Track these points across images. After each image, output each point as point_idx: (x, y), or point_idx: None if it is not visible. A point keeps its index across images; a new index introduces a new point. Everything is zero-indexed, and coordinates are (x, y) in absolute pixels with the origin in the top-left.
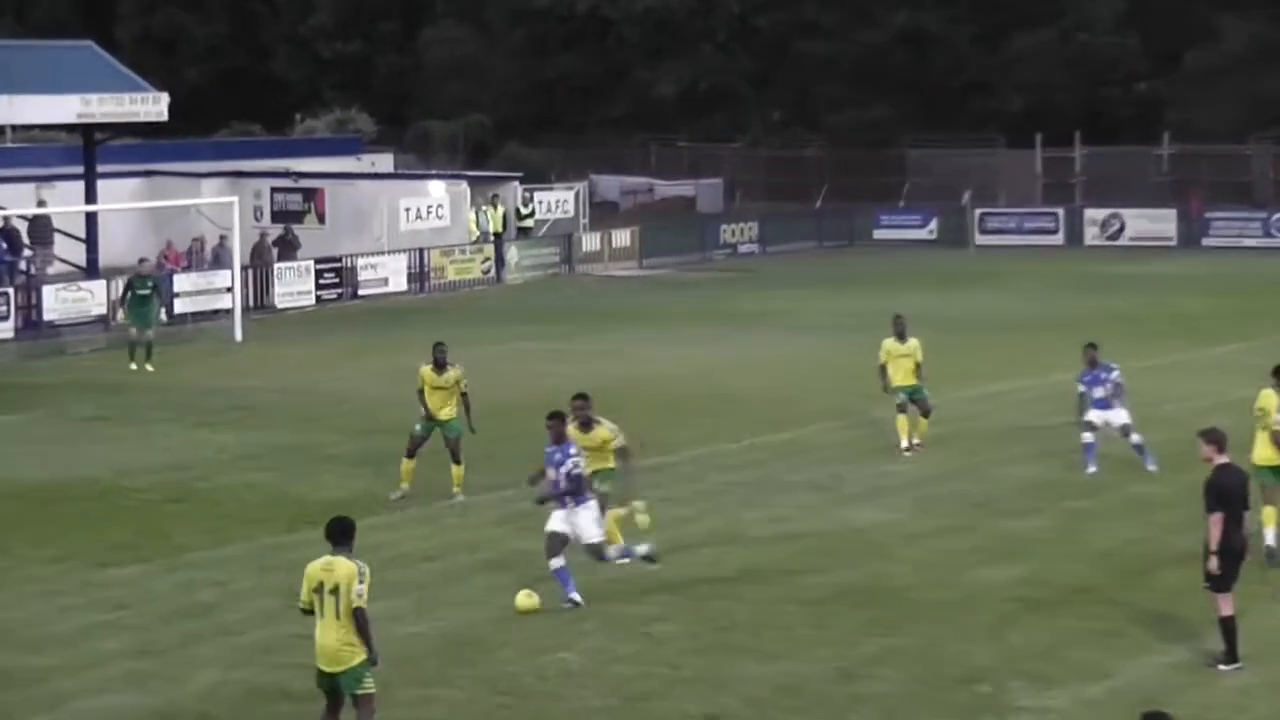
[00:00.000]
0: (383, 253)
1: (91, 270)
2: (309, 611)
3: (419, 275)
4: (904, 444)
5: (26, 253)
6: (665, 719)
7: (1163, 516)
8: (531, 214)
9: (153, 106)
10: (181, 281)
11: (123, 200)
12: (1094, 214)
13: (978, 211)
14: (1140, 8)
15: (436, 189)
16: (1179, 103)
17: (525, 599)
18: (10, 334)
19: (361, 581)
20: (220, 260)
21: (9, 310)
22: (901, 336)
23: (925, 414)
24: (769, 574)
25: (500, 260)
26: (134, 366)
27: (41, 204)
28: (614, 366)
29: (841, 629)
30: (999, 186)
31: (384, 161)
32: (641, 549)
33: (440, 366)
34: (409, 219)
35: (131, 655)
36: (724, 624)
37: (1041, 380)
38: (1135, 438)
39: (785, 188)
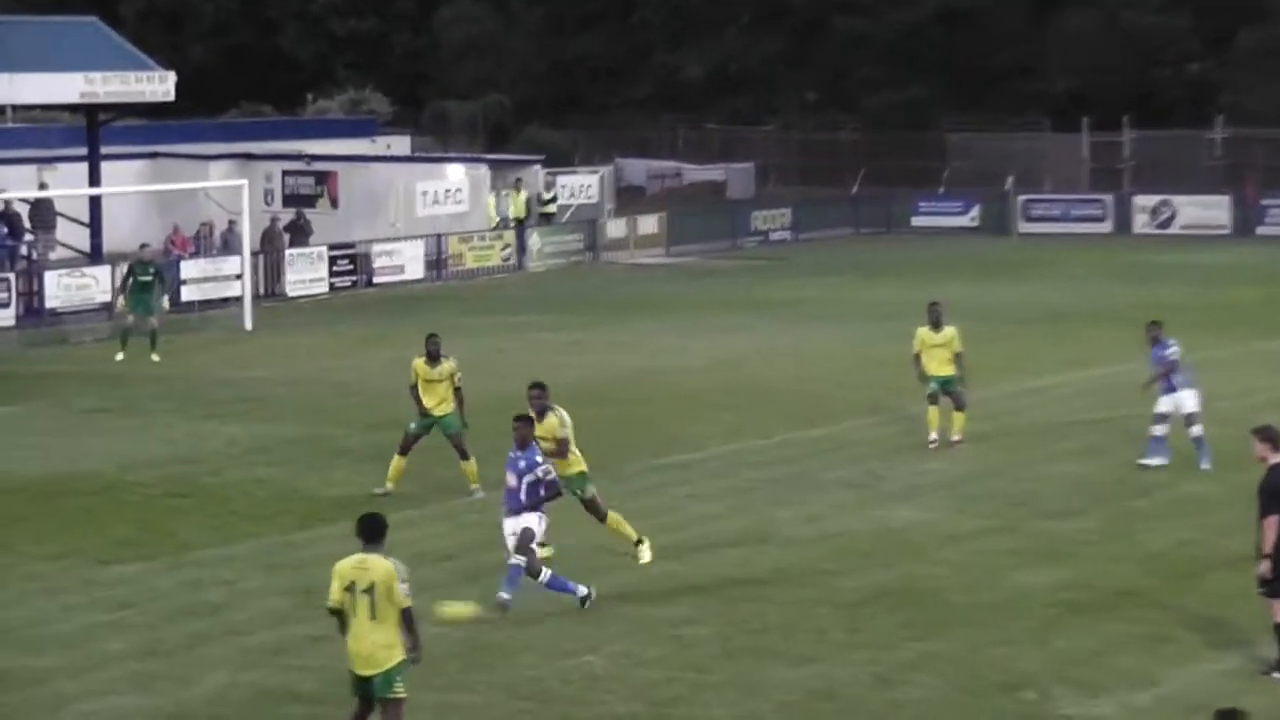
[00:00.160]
0: (399, 239)
1: (95, 256)
2: (337, 611)
3: (436, 262)
4: (932, 436)
5: (28, 237)
6: None
7: (1215, 517)
8: (554, 199)
9: (158, 85)
10: (189, 268)
11: (127, 183)
12: (1143, 200)
13: (1022, 198)
14: None
15: (454, 172)
16: (1232, 84)
17: (453, 609)
18: (11, 321)
19: (404, 581)
20: (229, 246)
21: (10, 297)
22: (937, 325)
23: (959, 407)
24: (802, 575)
25: (521, 247)
26: (120, 357)
27: (43, 187)
28: (638, 358)
29: (877, 632)
30: (1044, 172)
31: (400, 144)
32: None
33: (434, 359)
34: (426, 204)
35: (136, 656)
36: (755, 626)
37: (1086, 374)
38: (1196, 429)
39: (819, 172)
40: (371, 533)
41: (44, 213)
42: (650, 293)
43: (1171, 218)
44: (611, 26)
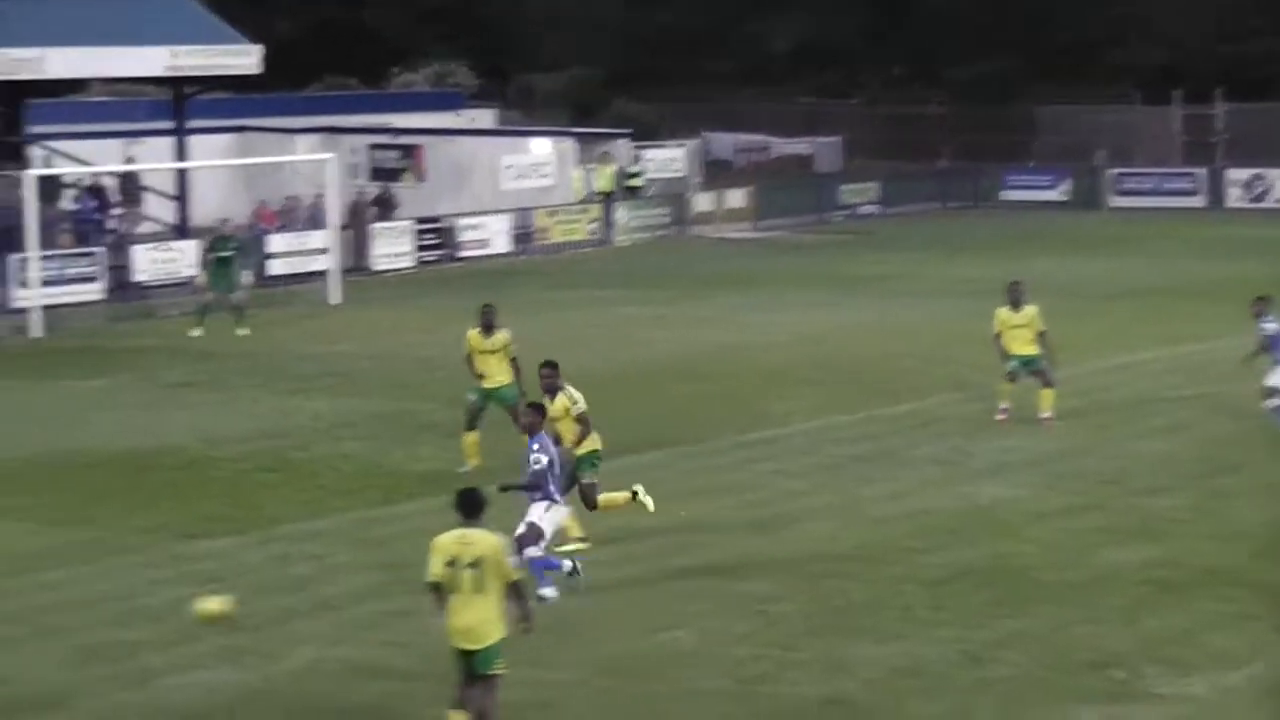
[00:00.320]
0: (485, 213)
1: (182, 230)
2: (438, 587)
3: (522, 236)
4: (1003, 406)
5: (115, 211)
6: (780, 702)
7: None
8: (640, 173)
9: (244, 59)
10: (275, 242)
11: (214, 157)
12: (1237, 174)
13: (1112, 172)
14: None
15: (540, 146)
16: None
17: (209, 604)
18: (100, 295)
19: (511, 554)
20: (315, 220)
21: (99, 271)
22: (1016, 304)
23: (1047, 385)
24: (888, 552)
25: (608, 221)
26: (197, 333)
27: (130, 161)
28: (723, 333)
29: (964, 610)
30: (1135, 145)
31: (485, 117)
32: (566, 565)
33: (488, 329)
34: (512, 178)
35: (224, 630)
36: (841, 603)
37: (1177, 350)
38: (1273, 401)
39: (906, 146)
40: (471, 508)
41: (131, 187)
42: (737, 267)
43: (1266, 191)
44: None
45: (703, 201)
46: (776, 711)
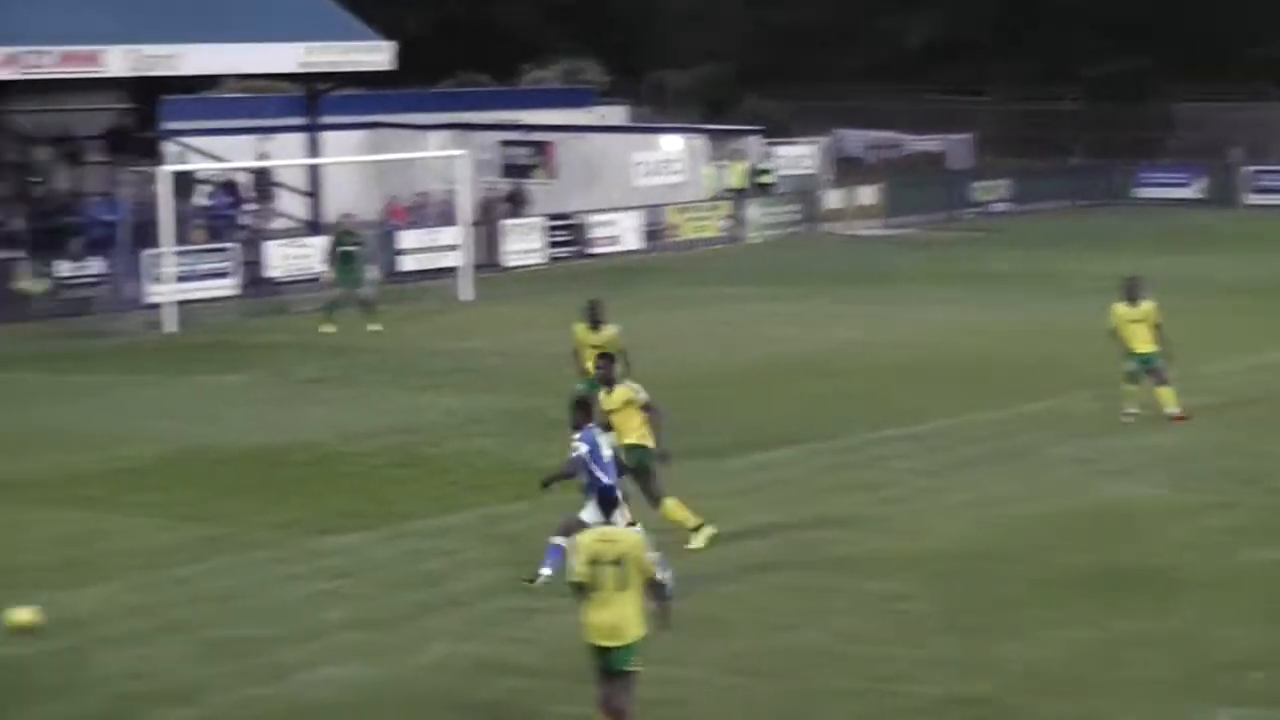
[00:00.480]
0: (615, 209)
1: (315, 226)
2: (582, 586)
3: (653, 233)
4: (1130, 409)
5: (249, 207)
6: (914, 702)
7: None
8: (771, 170)
9: (376, 55)
10: (406, 238)
11: (346, 153)
12: None
13: (1248, 169)
14: None
15: (671, 143)
16: None
17: (18, 615)
18: (233, 291)
19: (656, 550)
20: (446, 216)
21: (233, 267)
22: (1134, 300)
23: (1161, 383)
24: (1024, 551)
25: (739, 218)
26: (327, 329)
27: (263, 157)
28: (853, 330)
29: (1100, 610)
30: (1272, 142)
31: (615, 114)
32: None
33: (596, 324)
34: (643, 174)
35: (356, 626)
36: (976, 603)
37: None
38: None
39: (1038, 143)
40: (609, 505)
41: (264, 183)
42: (867, 264)
43: None
44: None
45: (833, 198)
46: (909, 711)
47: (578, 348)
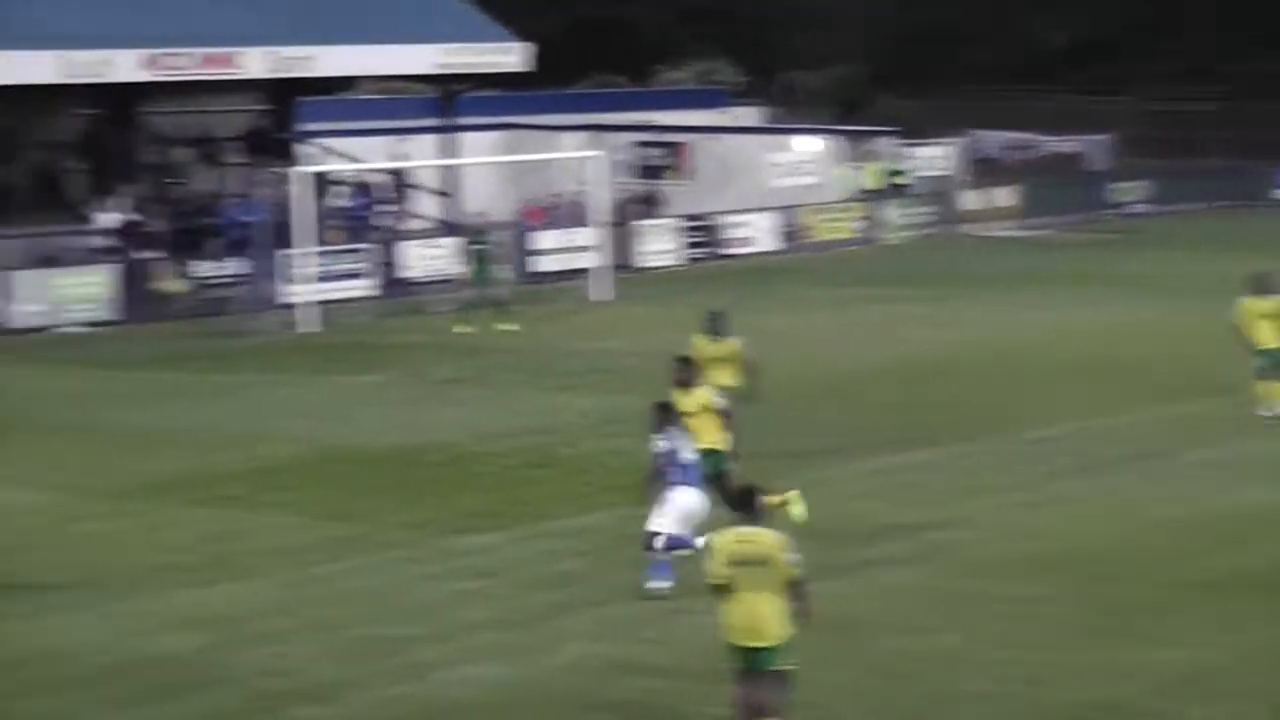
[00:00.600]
0: (750, 210)
1: (450, 227)
2: (721, 587)
3: (788, 234)
4: (1265, 410)
5: (384, 208)
6: (1055, 707)
7: None
8: (906, 171)
9: (511, 57)
10: (542, 239)
11: (481, 154)
12: None
13: None
14: None
15: (805, 144)
16: None
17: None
18: (370, 291)
19: (795, 550)
20: (580, 217)
21: (369, 267)
22: (1265, 293)
23: None
24: (1161, 555)
25: (874, 219)
26: (463, 329)
27: (399, 158)
28: (991, 332)
29: (1242, 615)
30: None
31: (748, 115)
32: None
33: (717, 336)
34: (777, 176)
35: (492, 626)
36: (1116, 607)
37: None
38: None
39: (1178, 144)
40: (748, 505)
41: (400, 184)
42: (1004, 265)
43: None
44: None
45: (969, 199)
46: (1047, 716)
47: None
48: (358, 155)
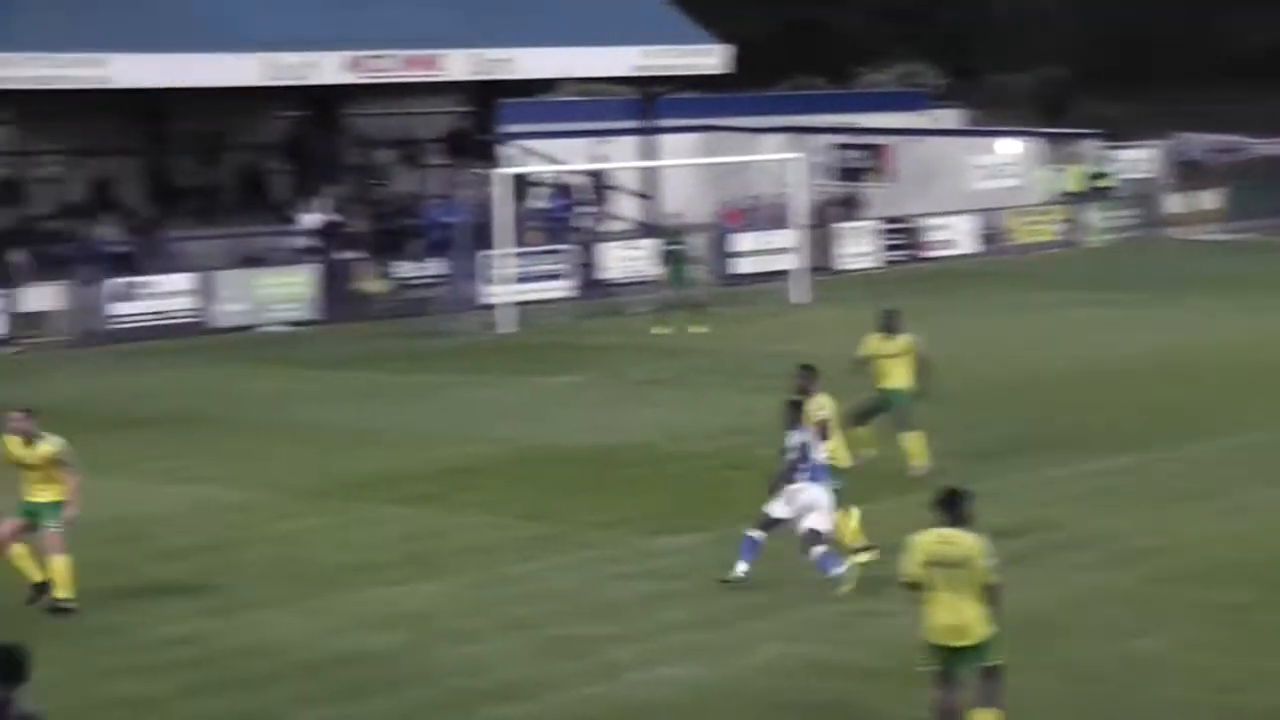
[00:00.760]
0: (950, 213)
1: (649, 228)
2: (914, 586)
3: (989, 237)
4: None
5: (583, 209)
6: (1252, 714)
7: None
8: (1109, 174)
9: (711, 59)
10: (740, 241)
11: (680, 156)
12: None
13: None
14: None
15: (1007, 147)
16: None
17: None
18: (568, 292)
19: (994, 556)
20: (779, 219)
21: (568, 268)
22: None
23: None
24: None
25: (1075, 222)
26: (660, 330)
27: (599, 160)
28: (1196, 336)
29: None
30: None
31: (949, 117)
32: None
33: (890, 333)
34: (978, 178)
35: (688, 626)
36: None
37: None
38: None
39: None
40: (952, 507)
41: (599, 185)
42: (1207, 269)
43: None
44: None
45: (1173, 202)
46: None
47: (869, 357)
48: (558, 157)
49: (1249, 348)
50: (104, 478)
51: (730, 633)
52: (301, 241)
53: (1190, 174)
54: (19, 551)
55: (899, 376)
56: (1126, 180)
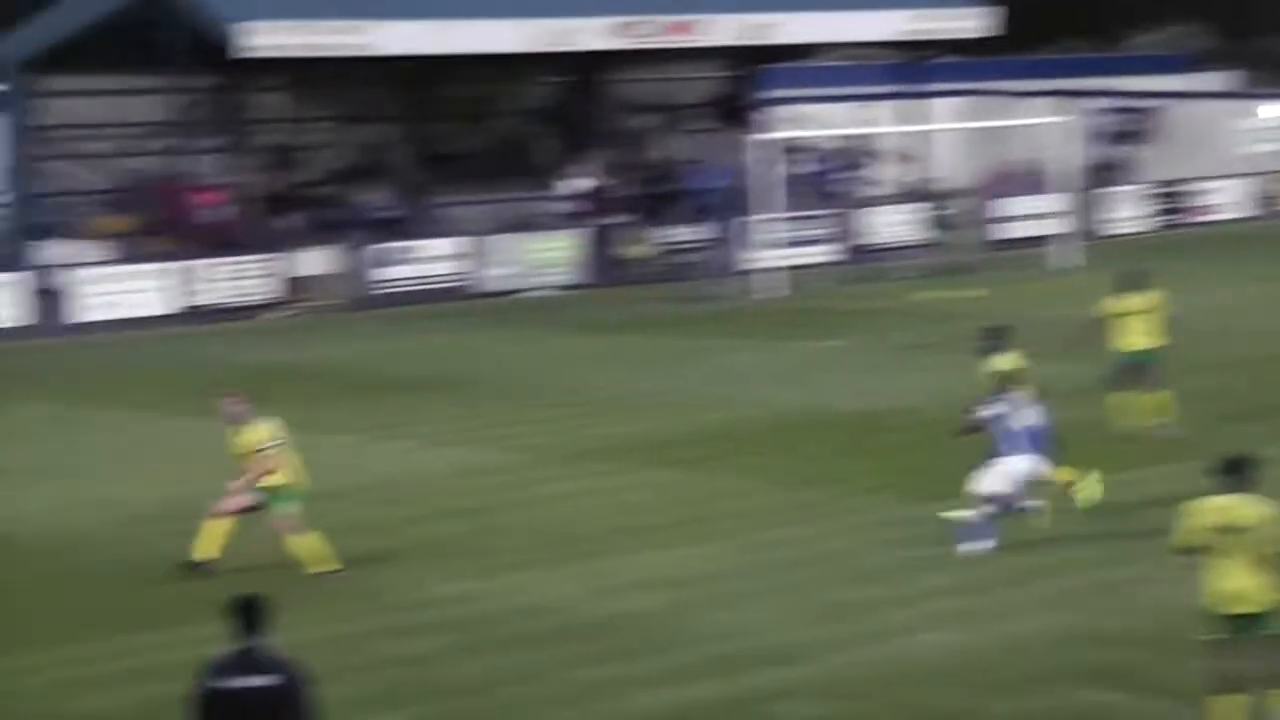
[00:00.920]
0: (1218, 177)
1: (915, 193)
2: (1187, 552)
3: (1262, 201)
4: None
5: (849, 174)
6: None
7: None
8: None
9: (977, 22)
10: (1008, 206)
11: (945, 121)
12: None
13: None
14: None
15: (1273, 110)
16: None
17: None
18: (833, 257)
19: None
20: (1045, 184)
21: (833, 233)
22: None
23: None
24: None
25: None
26: (926, 296)
27: (864, 124)
28: None
29: None
30: None
31: (1217, 80)
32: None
33: (1134, 292)
34: (1246, 141)
35: (955, 591)
36: None
37: None
38: None
39: None
40: (1238, 474)
41: (863, 150)
42: None
43: None
44: None
45: None
46: None
47: (1109, 316)
48: (822, 121)
49: None
50: (369, 440)
51: (996, 598)
52: (566, 206)
53: None
54: (217, 526)
55: (1144, 335)
56: None
